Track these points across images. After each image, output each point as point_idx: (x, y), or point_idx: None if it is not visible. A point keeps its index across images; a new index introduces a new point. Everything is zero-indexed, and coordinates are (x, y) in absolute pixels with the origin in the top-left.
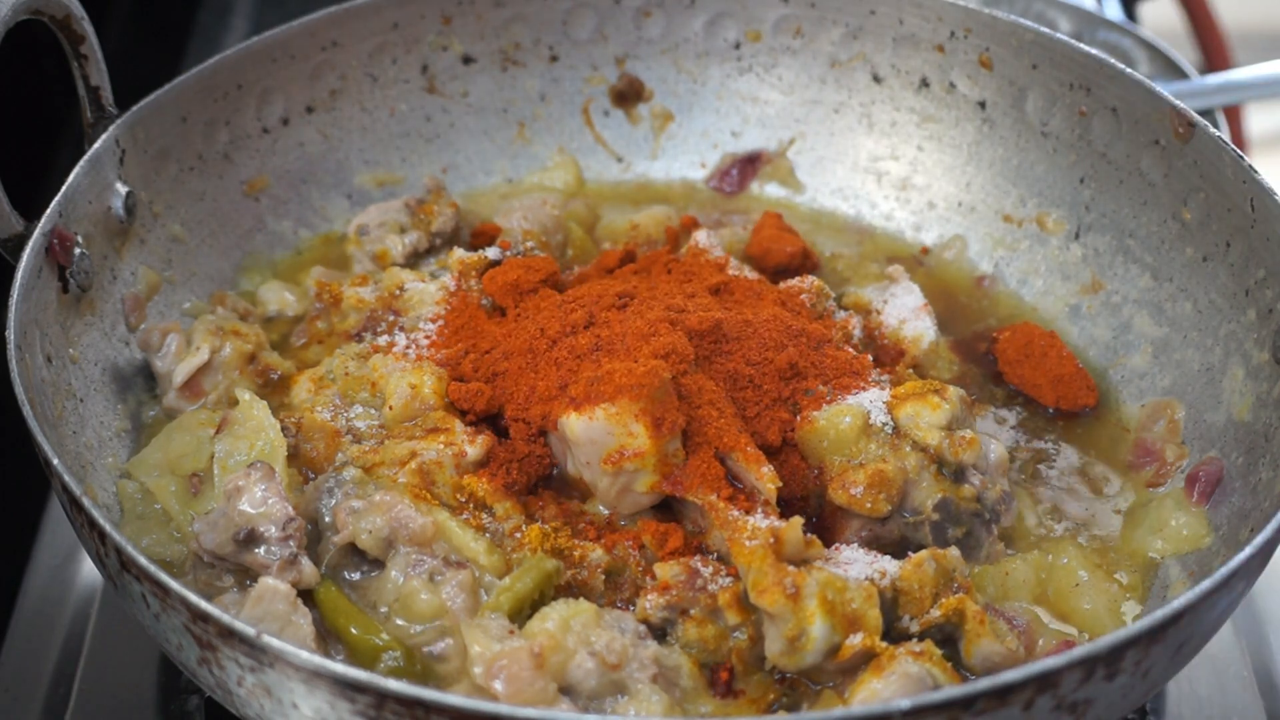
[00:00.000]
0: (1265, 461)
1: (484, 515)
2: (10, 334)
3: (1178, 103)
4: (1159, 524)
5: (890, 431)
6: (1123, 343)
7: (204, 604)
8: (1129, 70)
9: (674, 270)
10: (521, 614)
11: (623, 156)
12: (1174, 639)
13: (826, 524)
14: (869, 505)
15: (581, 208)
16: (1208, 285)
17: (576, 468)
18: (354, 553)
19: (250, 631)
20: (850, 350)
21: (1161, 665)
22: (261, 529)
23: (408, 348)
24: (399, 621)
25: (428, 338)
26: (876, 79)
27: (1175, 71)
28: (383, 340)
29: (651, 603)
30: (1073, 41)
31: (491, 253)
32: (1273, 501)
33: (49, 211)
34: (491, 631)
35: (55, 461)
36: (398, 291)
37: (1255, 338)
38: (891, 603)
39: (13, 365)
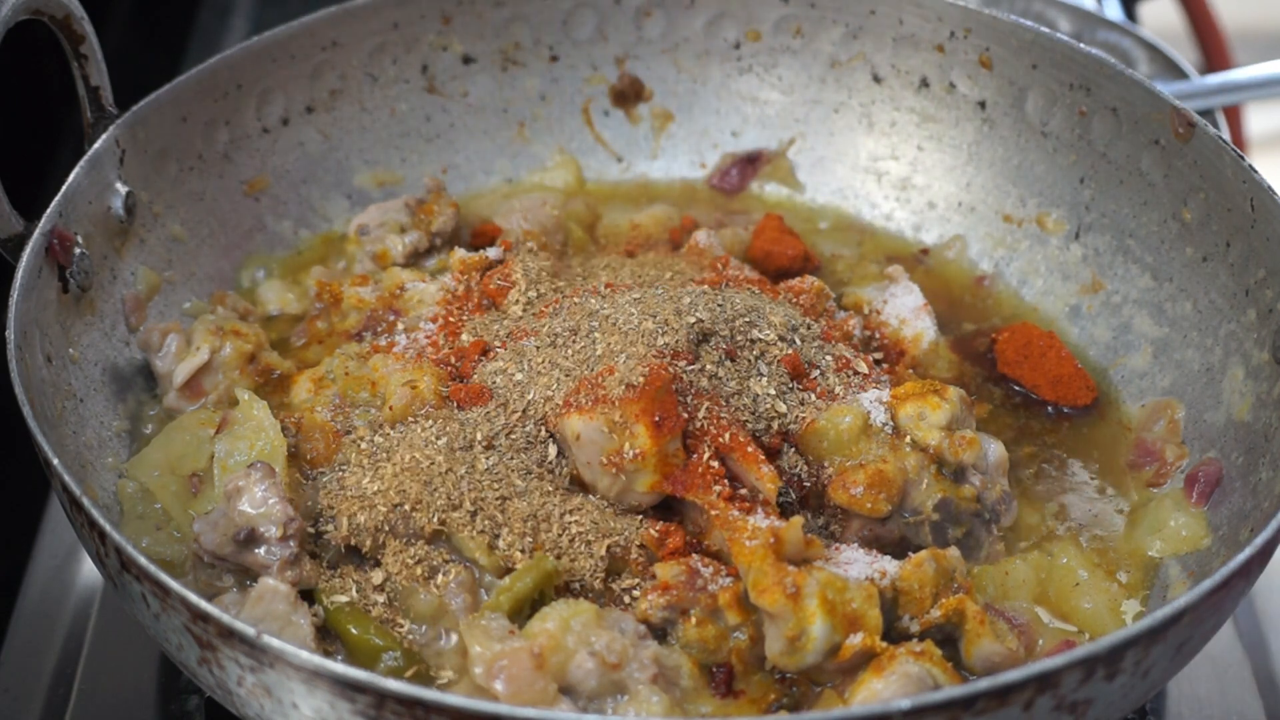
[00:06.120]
0: (1265, 462)
1: None
2: (10, 334)
3: (1178, 103)
4: (1158, 524)
5: (890, 431)
6: (1123, 343)
7: (204, 604)
8: (1129, 70)
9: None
10: (521, 614)
11: (623, 156)
12: (1174, 639)
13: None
14: (869, 505)
15: (581, 208)
16: (1208, 285)
17: (577, 467)
18: (354, 552)
19: (250, 631)
20: (850, 350)
21: (1161, 665)
22: (261, 529)
23: (408, 348)
24: (399, 621)
25: (428, 337)
26: (876, 79)
27: (1175, 71)
28: (383, 340)
29: (651, 603)
30: (1073, 41)
31: (492, 253)
32: (1273, 502)
33: (49, 211)
34: (491, 631)
35: (55, 461)
36: (398, 291)
37: (1255, 338)
38: (891, 603)
39: (13, 365)
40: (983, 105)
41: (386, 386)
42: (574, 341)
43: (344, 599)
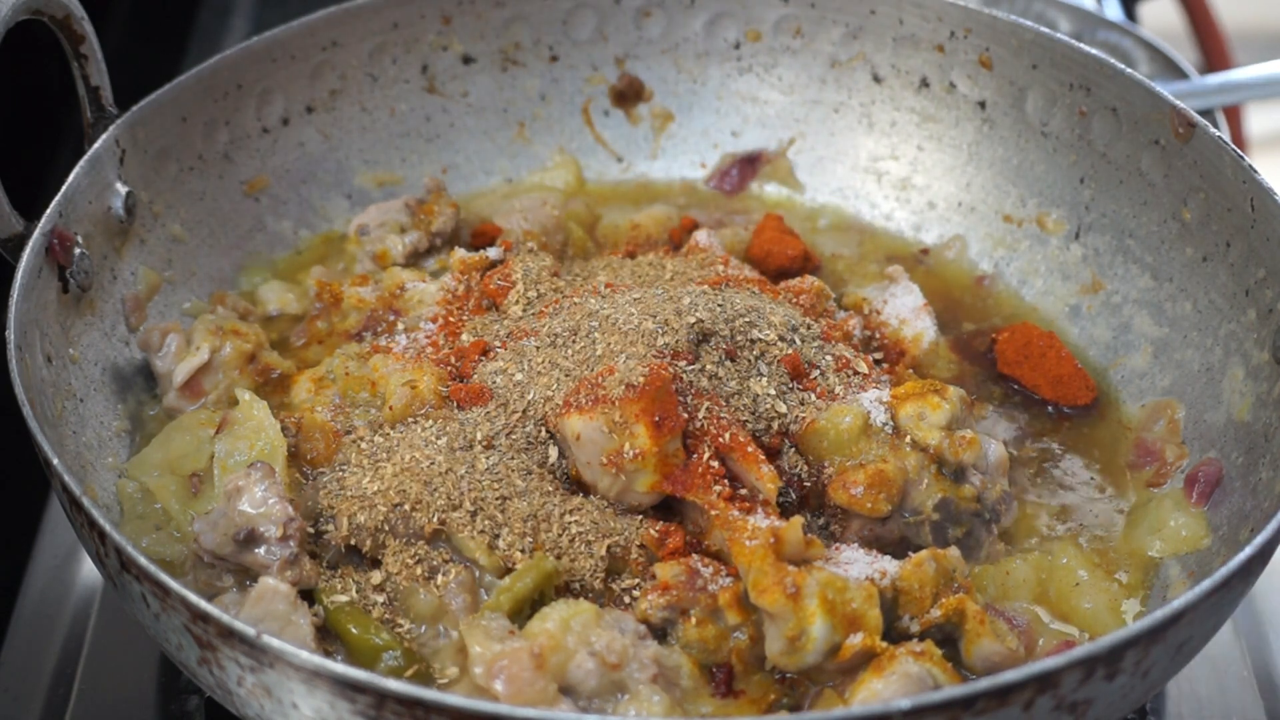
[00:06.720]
0: (1265, 462)
1: None
2: (10, 334)
3: (1178, 103)
4: (1158, 524)
5: (890, 431)
6: (1123, 343)
7: (204, 604)
8: (1129, 70)
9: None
10: (521, 614)
11: (623, 156)
12: (1174, 639)
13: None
14: (869, 505)
15: (581, 208)
16: (1208, 285)
17: (577, 467)
18: (354, 552)
19: (250, 631)
20: (850, 350)
21: (1161, 665)
22: (261, 529)
23: (408, 348)
24: (399, 621)
25: (428, 337)
26: (876, 79)
27: (1175, 71)
28: (383, 340)
29: (651, 603)
30: (1073, 41)
31: (492, 253)
32: (1273, 502)
33: (49, 211)
34: (492, 631)
35: (55, 461)
36: (398, 291)
37: (1255, 338)
38: (891, 603)
39: (13, 365)
40: (983, 105)
41: (386, 386)
42: (574, 341)
43: (344, 599)
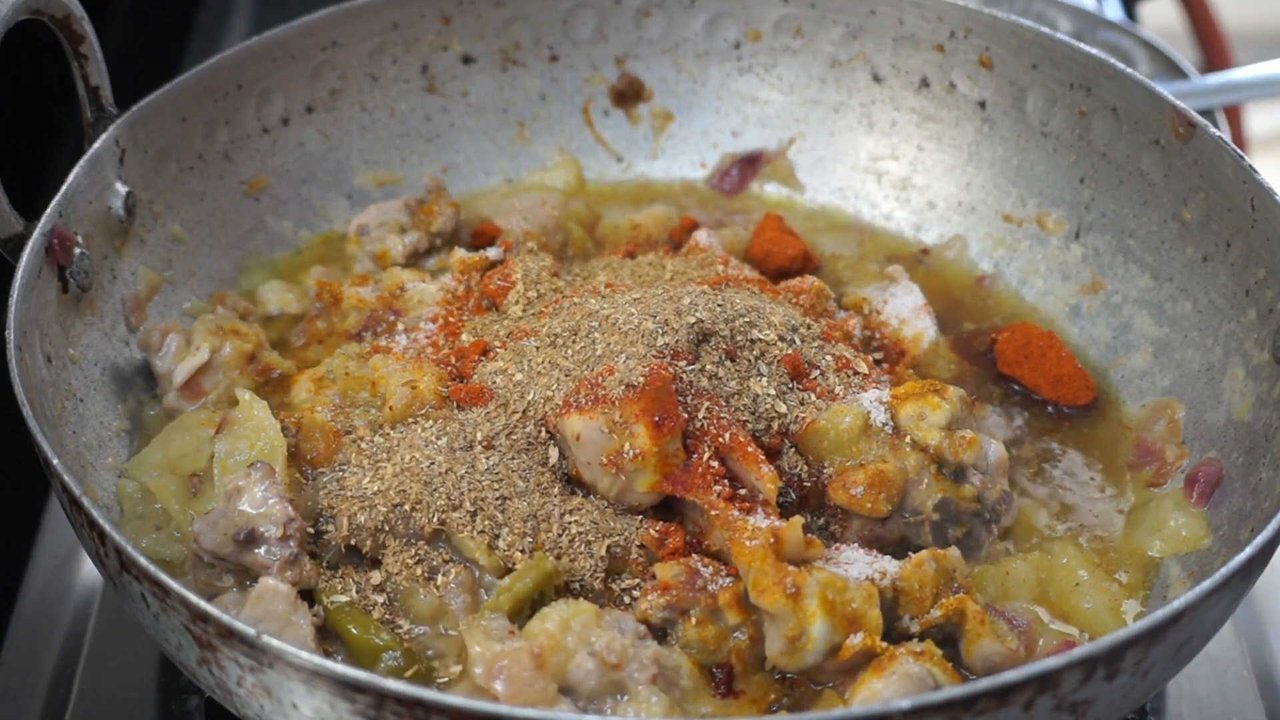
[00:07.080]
0: (1265, 462)
1: None
2: (10, 334)
3: (1178, 103)
4: (1158, 524)
5: (890, 431)
6: (1123, 343)
7: (204, 604)
8: (1129, 70)
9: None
10: (521, 614)
11: (623, 156)
12: (1174, 639)
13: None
14: (869, 505)
15: (581, 208)
16: (1208, 285)
17: (577, 467)
18: (354, 552)
19: (250, 631)
20: (850, 350)
21: (1162, 665)
22: (261, 529)
23: (408, 348)
24: (399, 621)
25: (428, 337)
26: (876, 79)
27: (1175, 71)
28: (383, 340)
29: (651, 603)
30: (1073, 41)
31: (492, 253)
32: (1273, 502)
33: (49, 211)
34: (492, 631)
35: (55, 461)
36: (398, 291)
37: (1255, 338)
38: (892, 603)
39: (13, 365)
40: (983, 105)
41: (386, 386)
42: (574, 342)
43: (344, 599)
